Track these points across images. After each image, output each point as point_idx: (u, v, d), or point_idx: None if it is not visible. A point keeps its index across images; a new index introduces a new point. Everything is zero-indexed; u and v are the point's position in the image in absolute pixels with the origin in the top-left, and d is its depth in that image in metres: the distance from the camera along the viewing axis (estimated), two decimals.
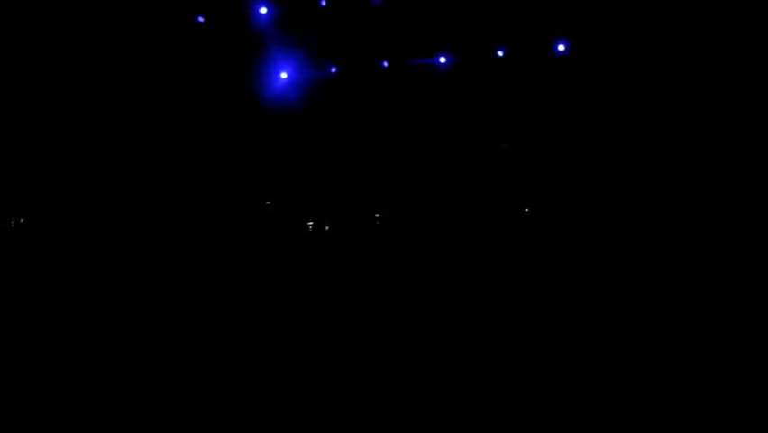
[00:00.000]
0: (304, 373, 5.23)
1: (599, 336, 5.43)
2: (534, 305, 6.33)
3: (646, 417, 4.36)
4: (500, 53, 9.60)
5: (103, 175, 9.03)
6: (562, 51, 9.23)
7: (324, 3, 9.95)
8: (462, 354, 5.34)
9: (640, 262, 7.06)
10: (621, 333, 5.41)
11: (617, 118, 8.24)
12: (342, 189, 9.62)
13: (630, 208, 7.79)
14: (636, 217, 7.66)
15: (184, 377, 5.16)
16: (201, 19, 10.02)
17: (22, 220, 8.18)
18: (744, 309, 5.36)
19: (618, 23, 7.93)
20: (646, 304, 6.08)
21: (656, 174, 7.62)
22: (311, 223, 8.64)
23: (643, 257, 7.08)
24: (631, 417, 4.38)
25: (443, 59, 9.90)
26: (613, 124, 8.27)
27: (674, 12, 7.30)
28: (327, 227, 8.95)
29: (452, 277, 7.28)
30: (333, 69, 10.24)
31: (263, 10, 10.01)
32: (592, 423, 4.37)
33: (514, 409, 4.62)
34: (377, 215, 9.34)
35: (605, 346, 5.22)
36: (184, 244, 8.33)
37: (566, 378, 4.89)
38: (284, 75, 10.51)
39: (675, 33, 7.23)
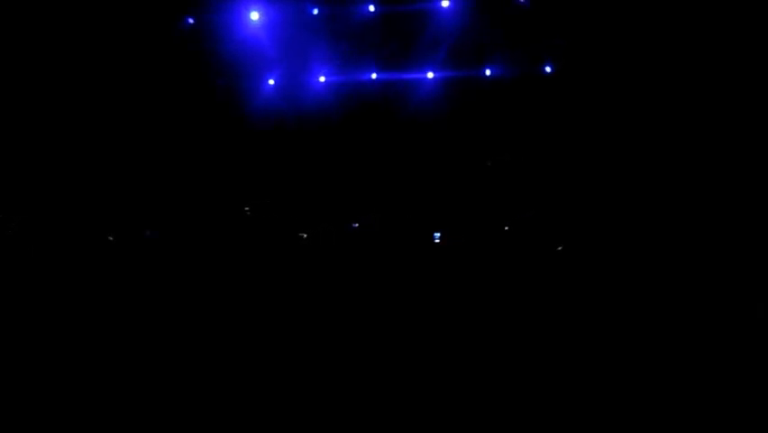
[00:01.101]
0: (297, 376, 5.15)
1: (599, 335, 5.45)
2: (524, 309, 6.34)
3: (646, 416, 4.39)
4: (488, 72, 9.79)
5: (92, 179, 8.89)
6: (548, 72, 9.45)
7: (316, 11, 10.00)
8: (456, 359, 5.31)
9: (639, 263, 7.14)
10: (621, 333, 5.45)
11: (602, 130, 8.44)
12: (329, 197, 9.60)
13: (628, 208, 7.94)
14: (635, 217, 7.80)
15: (178, 379, 5.06)
16: (191, 20, 9.98)
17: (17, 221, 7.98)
18: (744, 309, 5.44)
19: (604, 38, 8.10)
20: (646, 303, 6.14)
21: (651, 174, 7.74)
22: (299, 232, 8.58)
23: (642, 257, 7.17)
24: (631, 417, 4.40)
25: (431, 75, 10.04)
26: (598, 136, 8.46)
27: (660, 23, 7.50)
28: (311, 234, 8.89)
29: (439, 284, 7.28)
30: (324, 78, 10.28)
31: (254, 16, 10.03)
32: (592, 423, 4.39)
33: (512, 411, 4.62)
34: (358, 222, 9.35)
35: (604, 345, 5.24)
36: (175, 247, 8.20)
37: (565, 376, 4.90)
38: (271, 81, 10.51)
39: (662, 47, 7.42)
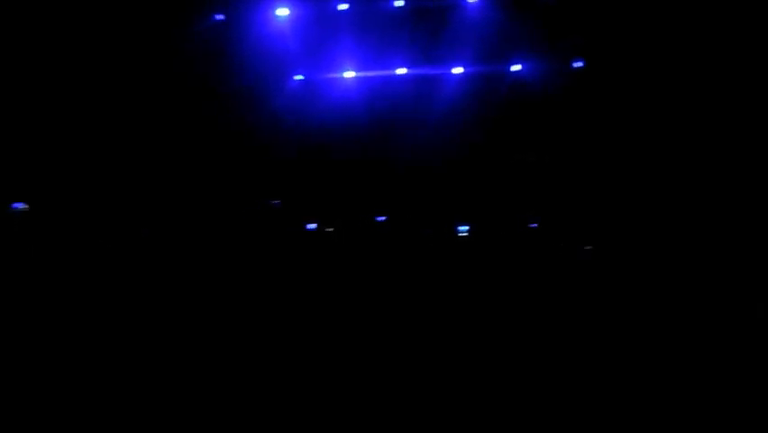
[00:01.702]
0: (298, 375, 5.09)
1: (598, 334, 5.36)
2: (532, 308, 6.24)
3: (646, 416, 4.30)
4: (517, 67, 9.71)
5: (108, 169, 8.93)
6: (577, 67, 9.35)
7: (343, 6, 10.00)
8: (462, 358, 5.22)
9: (639, 261, 7.05)
10: (621, 332, 5.35)
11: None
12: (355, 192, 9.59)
13: (626, 209, 7.86)
14: (633, 218, 7.72)
15: (181, 377, 5.04)
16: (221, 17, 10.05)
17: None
18: (744, 309, 5.33)
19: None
20: (646, 303, 6.04)
21: (653, 175, 7.64)
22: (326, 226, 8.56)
23: (642, 257, 7.07)
24: (631, 416, 4.32)
25: (459, 70, 9.97)
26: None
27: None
28: (334, 229, 8.87)
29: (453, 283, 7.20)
30: (348, 74, 10.27)
31: (282, 12, 10.07)
32: (592, 423, 4.31)
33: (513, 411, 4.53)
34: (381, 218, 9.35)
35: (604, 344, 5.16)
36: (188, 241, 8.21)
37: (566, 375, 4.82)
38: (299, 77, 10.53)
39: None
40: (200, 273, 7.44)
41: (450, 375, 4.88)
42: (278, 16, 10.10)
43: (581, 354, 5.05)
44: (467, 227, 9.07)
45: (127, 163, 8.97)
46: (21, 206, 7.98)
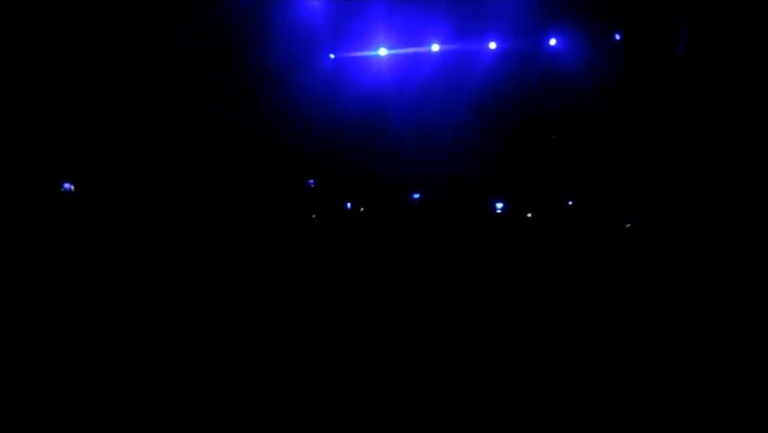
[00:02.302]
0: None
1: (597, 333, 5.32)
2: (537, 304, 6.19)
3: (646, 416, 4.28)
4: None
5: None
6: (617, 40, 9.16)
7: None
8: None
9: (639, 260, 6.97)
10: (620, 331, 5.30)
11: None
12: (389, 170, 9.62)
13: (625, 210, 7.81)
14: (632, 218, 7.67)
15: (181, 373, 5.09)
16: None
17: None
18: (744, 309, 5.23)
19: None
20: (646, 302, 5.98)
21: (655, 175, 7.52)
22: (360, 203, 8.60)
23: (642, 256, 7.00)
24: (631, 416, 4.29)
25: (493, 45, 9.87)
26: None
27: None
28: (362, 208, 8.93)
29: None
30: (384, 51, 10.25)
31: None
32: (592, 422, 4.30)
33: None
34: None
35: (604, 343, 5.11)
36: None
37: (566, 374, 4.79)
38: (332, 56, 10.56)
39: None
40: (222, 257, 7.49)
41: (455, 374, 4.89)
42: None
43: (579, 354, 5.03)
44: (500, 205, 9.07)
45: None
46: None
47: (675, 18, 7.22)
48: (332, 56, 10.56)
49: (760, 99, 6.65)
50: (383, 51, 10.28)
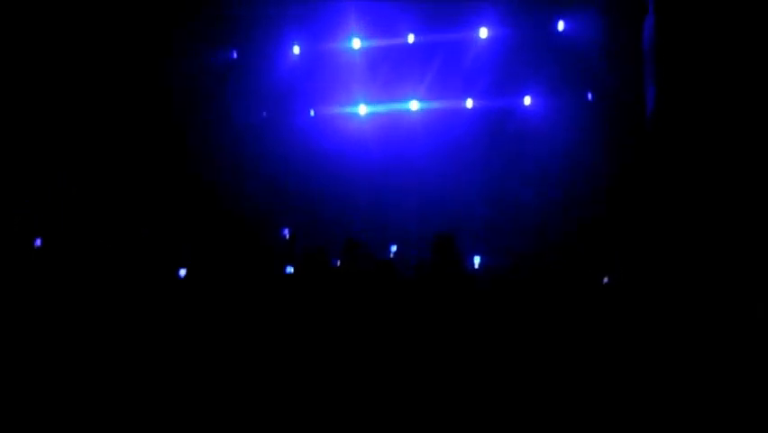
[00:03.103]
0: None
1: (598, 334, 5.26)
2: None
3: (646, 417, 4.25)
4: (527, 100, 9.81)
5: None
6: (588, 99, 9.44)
7: (356, 44, 10.22)
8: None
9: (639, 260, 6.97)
10: (619, 330, 5.26)
11: None
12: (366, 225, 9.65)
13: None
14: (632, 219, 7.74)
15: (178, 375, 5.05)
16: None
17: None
18: (744, 309, 5.22)
19: None
20: (646, 302, 5.95)
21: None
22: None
23: (643, 256, 7.00)
24: (631, 416, 4.26)
25: (470, 103, 10.12)
26: None
27: None
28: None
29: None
30: (365, 109, 10.46)
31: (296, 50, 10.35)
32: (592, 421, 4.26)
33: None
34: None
35: (604, 342, 5.07)
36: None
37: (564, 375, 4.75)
38: (312, 112, 10.75)
39: None
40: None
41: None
42: (292, 53, 10.40)
43: (579, 355, 4.97)
44: (477, 258, 9.09)
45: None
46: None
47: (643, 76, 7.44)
48: (312, 112, 10.77)
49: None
50: (363, 109, 10.51)
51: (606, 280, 7.79)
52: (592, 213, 8.63)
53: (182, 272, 6.76)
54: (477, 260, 9.44)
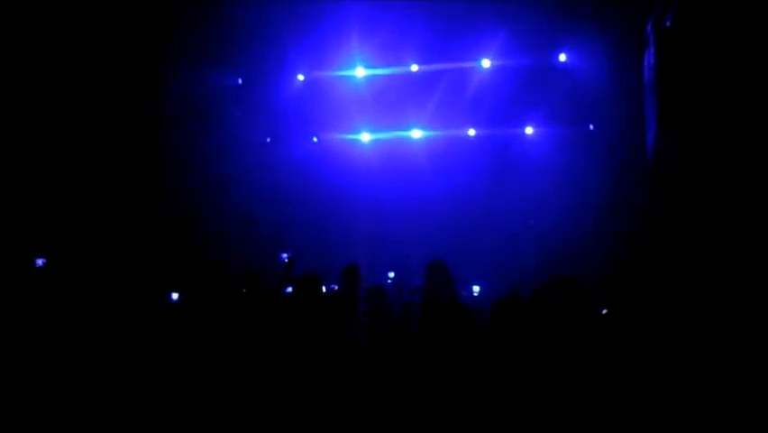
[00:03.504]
0: None
1: (598, 335, 5.19)
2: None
3: (646, 417, 4.20)
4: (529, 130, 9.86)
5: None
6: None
7: (359, 72, 10.31)
8: None
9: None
10: (619, 330, 5.20)
11: None
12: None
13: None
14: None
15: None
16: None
17: None
18: (744, 309, 5.17)
19: None
20: (647, 301, 5.88)
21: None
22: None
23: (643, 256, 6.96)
24: (631, 417, 4.22)
25: (472, 132, 10.19)
26: None
27: None
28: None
29: None
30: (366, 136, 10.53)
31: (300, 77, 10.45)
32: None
33: None
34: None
35: (606, 343, 5.00)
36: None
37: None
38: (315, 139, 10.84)
39: None
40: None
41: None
42: (297, 80, 10.50)
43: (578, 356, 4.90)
44: (477, 287, 9.06)
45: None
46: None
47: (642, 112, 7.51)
48: (315, 139, 10.85)
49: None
50: (366, 136, 10.59)
51: (605, 311, 7.76)
52: (593, 241, 8.61)
53: (174, 296, 6.74)
54: (476, 288, 9.41)
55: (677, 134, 6.98)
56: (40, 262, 7.99)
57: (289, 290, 6.64)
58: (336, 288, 7.34)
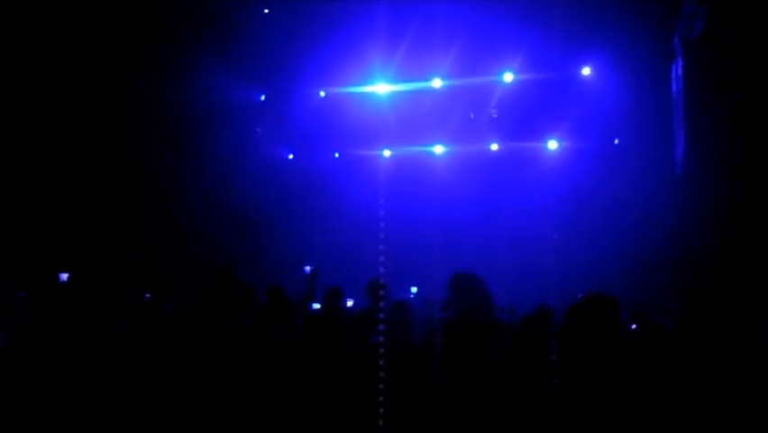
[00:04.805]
0: None
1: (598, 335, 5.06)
2: None
3: (647, 418, 4.07)
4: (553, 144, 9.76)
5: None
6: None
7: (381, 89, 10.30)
8: None
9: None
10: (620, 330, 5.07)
11: None
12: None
13: None
14: None
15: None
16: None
17: None
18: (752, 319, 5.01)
19: None
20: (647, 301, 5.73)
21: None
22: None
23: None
24: (632, 417, 4.09)
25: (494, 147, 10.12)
26: None
27: None
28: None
29: None
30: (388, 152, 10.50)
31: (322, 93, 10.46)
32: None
33: None
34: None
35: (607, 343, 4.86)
36: None
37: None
38: (336, 155, 10.84)
39: None
40: None
41: None
42: (319, 96, 10.52)
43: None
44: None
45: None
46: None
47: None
48: (336, 155, 10.84)
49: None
50: (387, 152, 10.55)
51: (634, 326, 7.62)
52: (620, 257, 8.47)
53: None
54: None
55: (705, 147, 6.86)
56: (64, 276, 8.02)
57: (316, 306, 6.58)
58: (352, 303, 7.29)
